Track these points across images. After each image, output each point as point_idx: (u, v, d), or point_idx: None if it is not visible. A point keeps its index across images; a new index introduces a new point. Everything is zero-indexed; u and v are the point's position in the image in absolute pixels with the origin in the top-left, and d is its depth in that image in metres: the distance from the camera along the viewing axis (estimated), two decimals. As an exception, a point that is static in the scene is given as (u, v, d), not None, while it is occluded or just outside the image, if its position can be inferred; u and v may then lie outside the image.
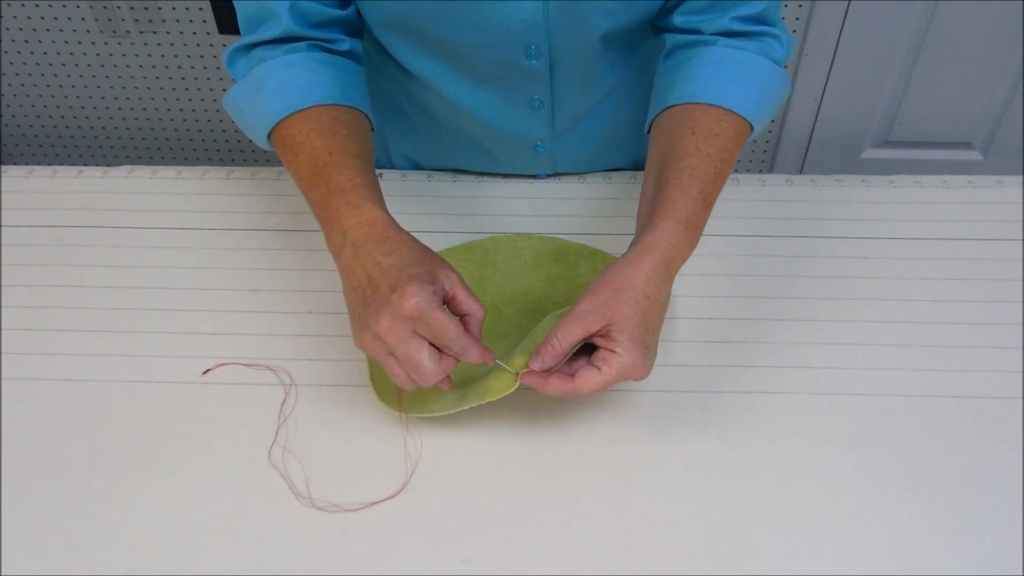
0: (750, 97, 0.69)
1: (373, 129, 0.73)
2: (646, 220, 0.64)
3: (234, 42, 0.72)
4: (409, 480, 0.63)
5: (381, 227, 0.61)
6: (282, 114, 0.68)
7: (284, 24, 0.69)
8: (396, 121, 0.89)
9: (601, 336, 0.59)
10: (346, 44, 0.73)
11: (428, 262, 0.59)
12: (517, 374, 0.60)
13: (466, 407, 0.62)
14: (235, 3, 0.71)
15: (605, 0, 0.69)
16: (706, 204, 0.64)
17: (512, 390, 0.61)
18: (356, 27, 0.75)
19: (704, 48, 0.71)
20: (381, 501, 0.62)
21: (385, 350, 0.58)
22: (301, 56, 0.69)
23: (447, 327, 0.56)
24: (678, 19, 0.73)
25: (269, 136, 0.70)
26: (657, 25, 0.76)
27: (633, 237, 0.66)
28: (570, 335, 0.59)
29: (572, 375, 0.59)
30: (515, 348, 0.62)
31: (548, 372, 0.60)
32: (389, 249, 0.59)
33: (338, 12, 0.72)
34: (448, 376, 0.60)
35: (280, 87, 0.68)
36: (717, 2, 0.70)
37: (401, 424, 0.66)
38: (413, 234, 0.83)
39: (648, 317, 0.60)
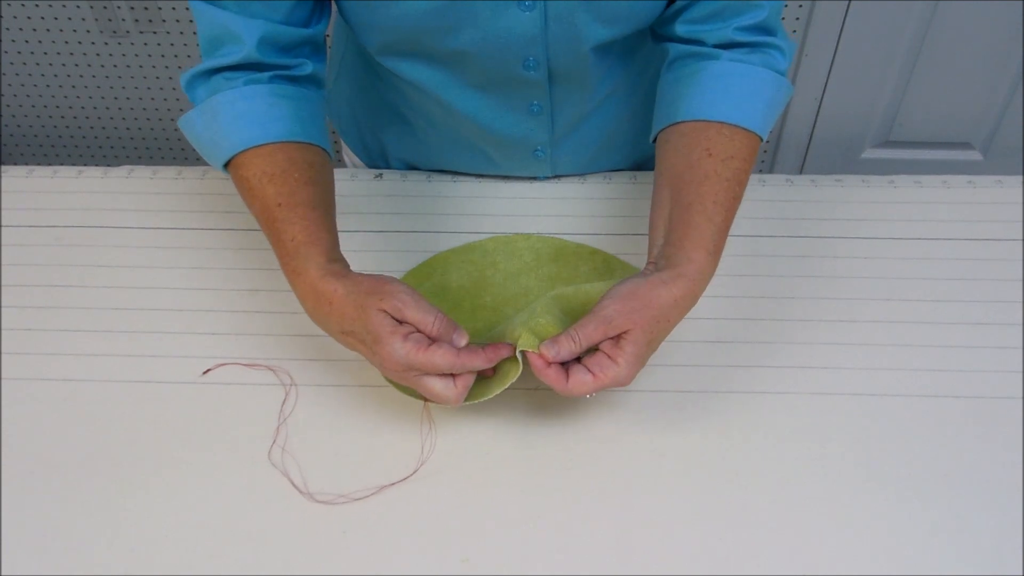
0: (759, 111, 0.69)
1: (332, 159, 0.73)
2: (673, 243, 0.64)
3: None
4: (420, 467, 0.63)
5: (321, 290, 0.61)
6: (237, 148, 0.67)
7: (246, 50, 0.67)
8: (395, 126, 0.89)
9: (610, 338, 0.59)
10: (309, 67, 0.71)
11: (374, 305, 0.59)
12: (518, 358, 0.61)
13: (487, 397, 0.62)
14: (197, 24, 0.69)
15: (602, 13, 0.69)
16: (727, 229, 0.66)
17: (519, 373, 0.61)
18: (321, 45, 0.74)
19: (710, 63, 0.71)
20: (390, 486, 0.62)
21: (407, 384, 0.61)
22: (260, 88, 0.68)
23: (437, 364, 0.58)
24: (680, 28, 0.72)
25: (225, 166, 0.69)
26: (658, 32, 0.76)
27: (648, 250, 0.67)
28: (594, 335, 0.59)
29: (566, 370, 0.60)
30: (516, 325, 0.62)
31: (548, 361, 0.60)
32: (336, 317, 0.60)
33: (306, 31, 0.70)
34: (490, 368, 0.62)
35: (236, 119, 0.67)
36: (720, 12, 0.70)
37: (424, 411, 0.67)
38: (413, 234, 0.83)
39: (657, 337, 0.61)
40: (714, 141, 0.68)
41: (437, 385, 0.59)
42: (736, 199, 0.67)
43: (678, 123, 0.70)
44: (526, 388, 0.69)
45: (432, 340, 0.59)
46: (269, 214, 0.65)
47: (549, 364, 0.59)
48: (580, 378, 0.59)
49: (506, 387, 0.61)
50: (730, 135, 0.68)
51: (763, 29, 0.71)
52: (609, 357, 0.59)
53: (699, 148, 0.68)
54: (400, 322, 0.59)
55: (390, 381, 0.68)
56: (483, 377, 0.63)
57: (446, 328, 0.60)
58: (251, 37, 0.67)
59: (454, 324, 0.60)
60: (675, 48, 0.74)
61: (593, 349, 0.60)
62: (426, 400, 0.65)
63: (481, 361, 0.59)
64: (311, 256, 0.63)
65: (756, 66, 0.70)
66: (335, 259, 0.64)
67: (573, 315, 0.64)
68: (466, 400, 0.61)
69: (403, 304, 0.59)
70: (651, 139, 0.75)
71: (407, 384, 0.60)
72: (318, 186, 0.68)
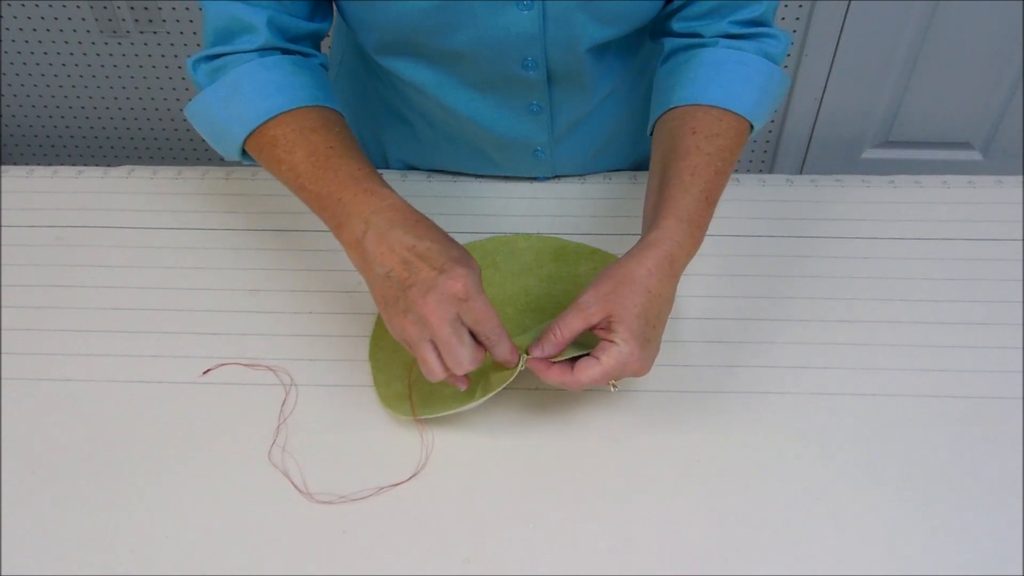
0: (750, 97, 0.69)
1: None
2: (650, 219, 0.65)
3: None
4: (420, 469, 0.63)
5: (408, 212, 0.61)
6: (267, 115, 0.66)
7: (263, 38, 0.67)
8: (394, 127, 0.89)
9: (602, 328, 0.60)
10: (317, 59, 0.73)
11: (461, 247, 0.60)
12: (520, 360, 0.61)
13: (474, 404, 0.63)
14: (205, 15, 0.69)
15: (600, 12, 0.69)
16: (708, 202, 0.65)
17: (514, 377, 0.61)
18: (322, 42, 0.75)
19: (704, 50, 0.71)
20: (389, 487, 0.62)
21: (424, 335, 0.58)
22: (278, 59, 0.68)
23: (490, 314, 0.58)
24: (676, 26, 0.73)
25: (246, 139, 0.68)
26: (654, 30, 0.77)
27: (638, 237, 0.66)
28: (572, 325, 0.60)
29: (572, 367, 0.60)
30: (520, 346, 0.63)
31: (550, 361, 0.60)
32: (422, 232, 0.59)
33: (310, 25, 0.71)
34: (467, 376, 0.61)
35: (261, 89, 0.67)
36: (716, 9, 0.71)
37: (417, 425, 0.66)
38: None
39: (649, 311, 0.60)
40: (700, 121, 0.68)
41: (465, 337, 0.57)
42: (719, 174, 0.66)
43: (670, 109, 0.71)
44: (526, 388, 0.69)
45: None
46: (319, 155, 0.64)
47: (549, 366, 0.60)
48: (586, 364, 0.59)
49: (489, 396, 0.62)
50: (718, 116, 0.68)
51: (759, 22, 0.72)
52: (608, 341, 0.59)
53: (685, 128, 0.68)
54: None
55: (384, 401, 0.68)
56: (474, 383, 0.64)
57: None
58: (261, 23, 0.67)
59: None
60: (671, 42, 0.74)
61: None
62: (410, 403, 0.66)
63: (507, 347, 0.59)
64: (389, 187, 0.63)
65: (749, 53, 0.71)
66: None
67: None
68: (451, 410, 0.63)
69: (479, 276, 0.60)
70: (648, 132, 0.75)
71: (438, 324, 0.57)
72: (359, 145, 0.68)
